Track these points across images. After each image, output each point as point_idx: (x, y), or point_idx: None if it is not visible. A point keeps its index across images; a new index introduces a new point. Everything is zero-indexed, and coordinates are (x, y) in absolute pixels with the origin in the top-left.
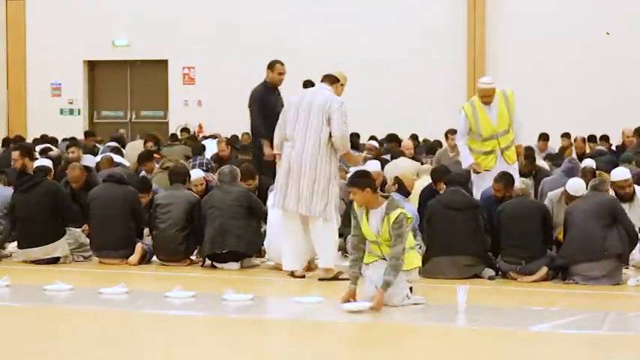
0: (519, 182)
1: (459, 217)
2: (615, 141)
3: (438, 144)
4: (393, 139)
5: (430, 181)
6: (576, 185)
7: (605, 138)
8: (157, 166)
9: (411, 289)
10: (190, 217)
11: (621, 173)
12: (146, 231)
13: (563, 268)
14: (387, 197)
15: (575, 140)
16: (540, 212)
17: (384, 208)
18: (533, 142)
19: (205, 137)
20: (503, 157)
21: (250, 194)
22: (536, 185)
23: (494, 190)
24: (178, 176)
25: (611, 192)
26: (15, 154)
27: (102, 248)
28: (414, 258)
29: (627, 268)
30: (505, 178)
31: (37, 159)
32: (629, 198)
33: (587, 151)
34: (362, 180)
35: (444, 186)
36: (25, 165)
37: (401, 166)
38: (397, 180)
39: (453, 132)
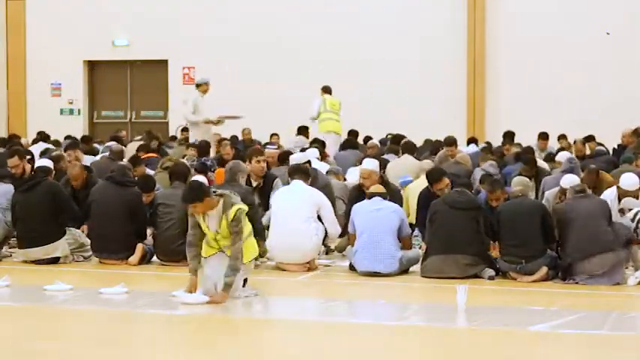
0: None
1: (462, 216)
2: (615, 141)
3: (440, 144)
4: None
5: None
6: (570, 179)
7: (591, 138)
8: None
9: (245, 280)
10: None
11: (631, 183)
12: (148, 231)
13: (565, 266)
14: (221, 196)
15: (574, 142)
16: (539, 212)
17: (220, 207)
18: (533, 142)
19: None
20: None
21: (248, 196)
22: (537, 186)
23: (491, 200)
24: (179, 175)
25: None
26: (14, 160)
27: (102, 251)
28: (250, 248)
29: (627, 267)
30: (499, 184)
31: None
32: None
33: (587, 152)
34: (199, 194)
35: (441, 187)
36: (25, 169)
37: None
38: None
39: (450, 143)
